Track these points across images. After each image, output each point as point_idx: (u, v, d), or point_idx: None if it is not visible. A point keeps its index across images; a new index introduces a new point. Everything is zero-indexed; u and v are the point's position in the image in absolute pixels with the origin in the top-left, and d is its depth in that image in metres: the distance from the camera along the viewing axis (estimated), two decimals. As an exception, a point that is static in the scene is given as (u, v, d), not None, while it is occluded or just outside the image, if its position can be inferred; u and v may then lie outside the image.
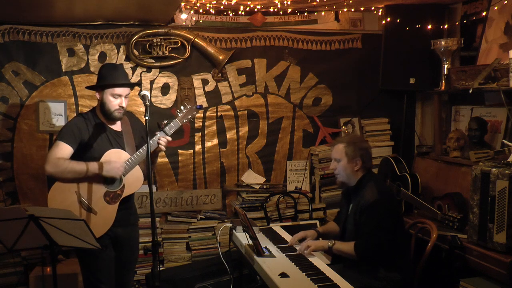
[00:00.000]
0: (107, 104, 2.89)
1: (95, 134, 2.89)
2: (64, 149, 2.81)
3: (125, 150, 2.92)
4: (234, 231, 3.32)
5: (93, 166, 2.78)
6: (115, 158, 2.85)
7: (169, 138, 2.93)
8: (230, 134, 4.38)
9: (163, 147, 2.91)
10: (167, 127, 2.94)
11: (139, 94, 2.80)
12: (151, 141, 2.73)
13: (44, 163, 2.77)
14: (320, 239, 3.20)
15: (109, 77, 2.89)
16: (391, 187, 3.83)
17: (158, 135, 2.92)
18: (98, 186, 2.84)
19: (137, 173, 2.94)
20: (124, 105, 2.91)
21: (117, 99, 2.89)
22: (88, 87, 3.09)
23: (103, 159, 2.84)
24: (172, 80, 4.21)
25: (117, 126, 3.00)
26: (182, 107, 3.03)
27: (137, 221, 3.17)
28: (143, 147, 2.88)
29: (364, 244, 2.76)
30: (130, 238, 3.06)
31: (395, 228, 2.83)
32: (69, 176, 2.77)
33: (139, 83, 3.33)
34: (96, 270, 2.90)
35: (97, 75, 3.00)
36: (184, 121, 3.01)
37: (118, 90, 2.89)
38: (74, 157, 2.83)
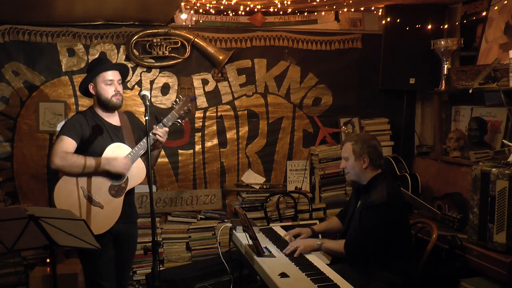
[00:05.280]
0: (103, 94, 2.92)
1: (95, 130, 2.92)
2: (69, 143, 2.82)
3: (125, 144, 2.95)
4: (234, 231, 3.32)
5: (100, 162, 2.80)
6: (117, 152, 2.87)
7: (166, 129, 2.95)
8: (230, 134, 4.38)
9: (161, 138, 2.91)
10: (165, 119, 3.00)
11: (139, 94, 2.82)
12: (150, 135, 2.80)
13: (51, 156, 2.76)
14: (320, 236, 3.20)
15: (96, 67, 2.94)
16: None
17: (156, 127, 2.94)
18: (103, 180, 2.86)
19: (139, 165, 2.96)
20: (119, 89, 2.95)
21: (111, 86, 2.92)
22: (80, 86, 3.00)
23: (105, 154, 2.85)
24: (172, 80, 4.21)
25: (115, 121, 3.02)
26: (177, 100, 3.07)
27: (137, 219, 3.20)
28: (144, 139, 2.91)
29: (353, 241, 2.75)
30: (131, 236, 3.08)
31: (398, 233, 2.77)
32: (76, 170, 2.77)
33: (126, 65, 3.34)
34: (98, 268, 2.91)
35: (86, 74, 3.02)
36: (181, 112, 3.04)
37: (109, 76, 2.91)
38: (76, 153, 2.83)
